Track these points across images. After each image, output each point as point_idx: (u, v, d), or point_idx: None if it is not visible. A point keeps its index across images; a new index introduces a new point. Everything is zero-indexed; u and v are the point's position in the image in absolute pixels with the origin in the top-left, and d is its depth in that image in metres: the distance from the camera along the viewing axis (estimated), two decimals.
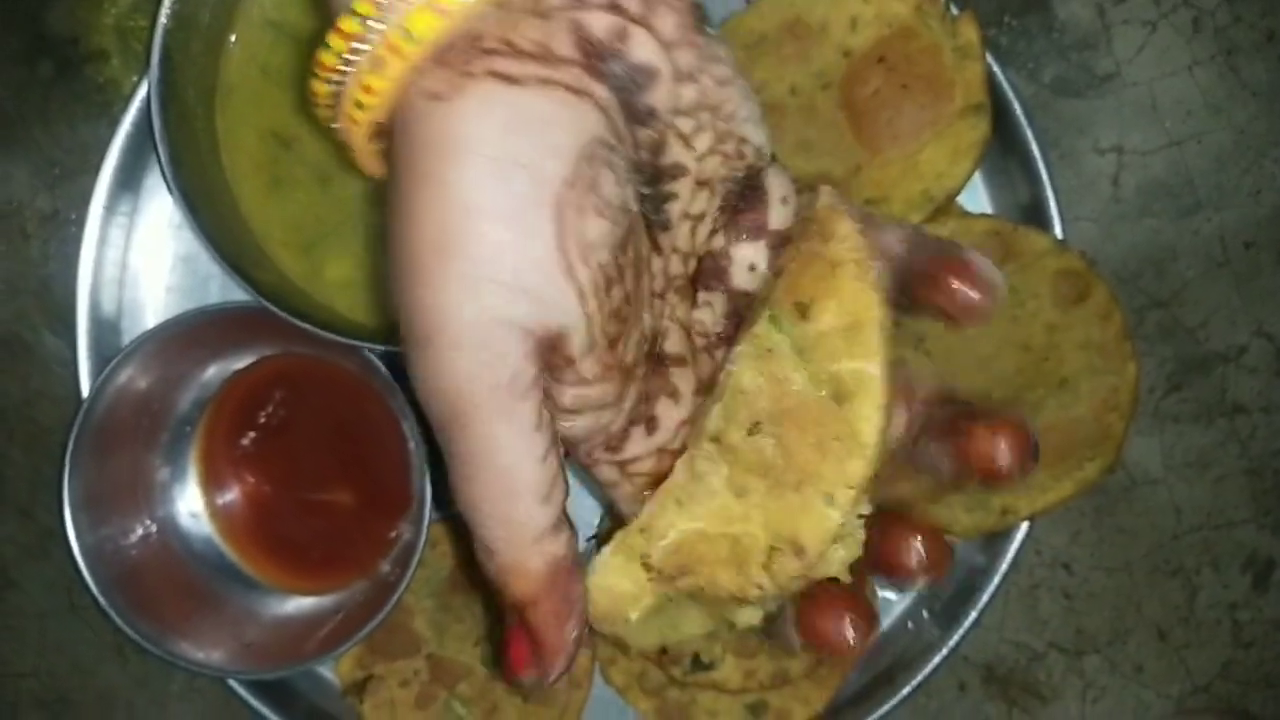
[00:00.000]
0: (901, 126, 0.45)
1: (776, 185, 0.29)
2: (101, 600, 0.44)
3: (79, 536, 0.44)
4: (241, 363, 0.47)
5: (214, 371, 0.47)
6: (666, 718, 0.47)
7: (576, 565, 0.27)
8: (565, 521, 0.27)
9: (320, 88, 0.26)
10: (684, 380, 0.30)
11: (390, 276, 0.26)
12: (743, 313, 0.29)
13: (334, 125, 0.27)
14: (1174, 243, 0.50)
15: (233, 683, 0.47)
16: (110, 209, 0.48)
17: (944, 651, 0.47)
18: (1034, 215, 0.47)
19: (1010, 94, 0.47)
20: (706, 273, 0.29)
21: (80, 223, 0.48)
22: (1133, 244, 0.50)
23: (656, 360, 0.29)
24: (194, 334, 0.45)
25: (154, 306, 0.49)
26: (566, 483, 0.27)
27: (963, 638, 0.47)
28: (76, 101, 0.50)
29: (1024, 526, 0.47)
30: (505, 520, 0.26)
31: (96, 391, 0.44)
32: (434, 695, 0.47)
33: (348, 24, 0.25)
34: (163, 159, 0.41)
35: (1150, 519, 0.50)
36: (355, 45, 0.25)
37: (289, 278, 0.45)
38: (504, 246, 0.24)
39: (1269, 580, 0.50)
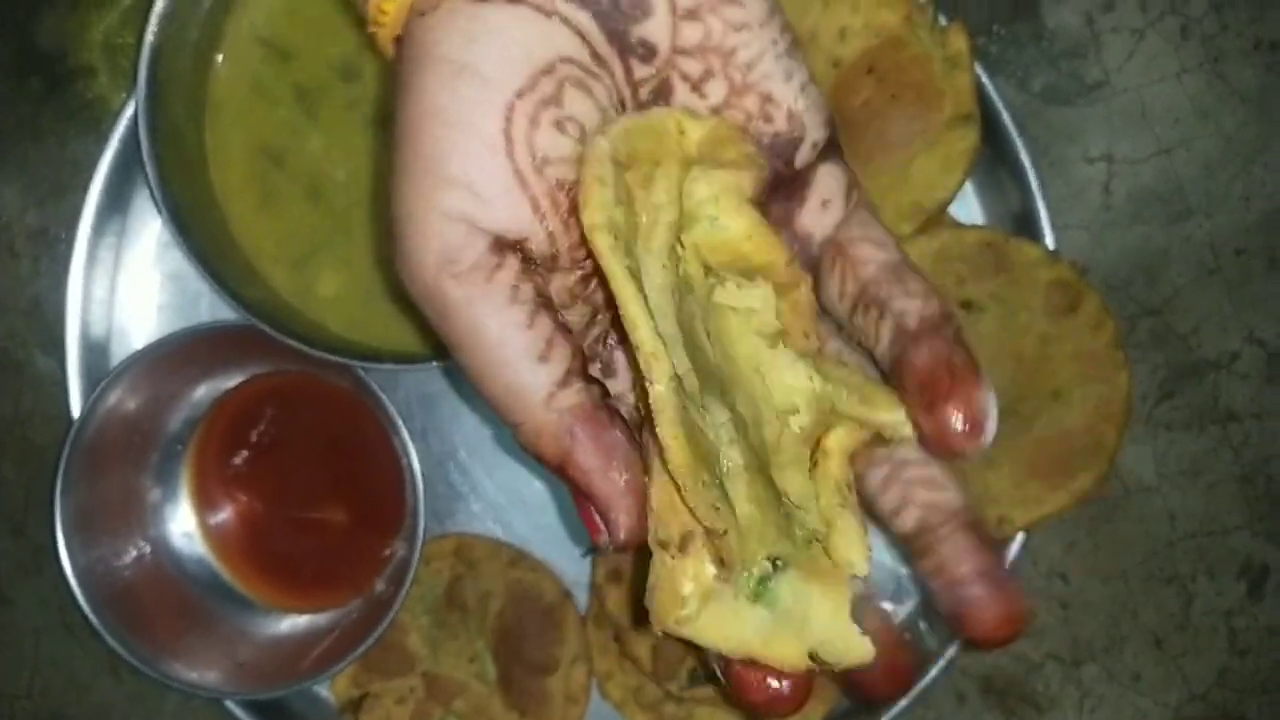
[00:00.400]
0: (891, 136, 0.45)
1: (825, 183, 0.28)
2: (94, 621, 0.44)
3: (71, 558, 0.44)
4: (232, 381, 0.47)
5: (204, 390, 0.47)
6: None
7: (604, 411, 0.27)
8: (578, 376, 0.26)
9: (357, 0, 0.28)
10: None
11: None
12: None
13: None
14: (1165, 250, 0.50)
15: (228, 703, 0.46)
16: (99, 227, 0.48)
17: (942, 663, 0.47)
18: (1025, 224, 0.47)
19: (1000, 103, 0.47)
20: None
21: (69, 240, 0.48)
22: (1124, 251, 0.50)
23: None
24: (184, 353, 0.45)
25: (144, 325, 0.49)
26: (574, 346, 0.27)
27: (960, 649, 0.47)
28: (65, 118, 0.50)
29: (1020, 537, 0.47)
30: (511, 387, 0.26)
31: (86, 413, 0.44)
32: (430, 712, 0.47)
33: None
34: (151, 178, 0.41)
35: (1145, 527, 0.50)
36: None
37: (279, 294, 0.44)
38: (452, 146, 0.25)
39: (1264, 587, 0.50)
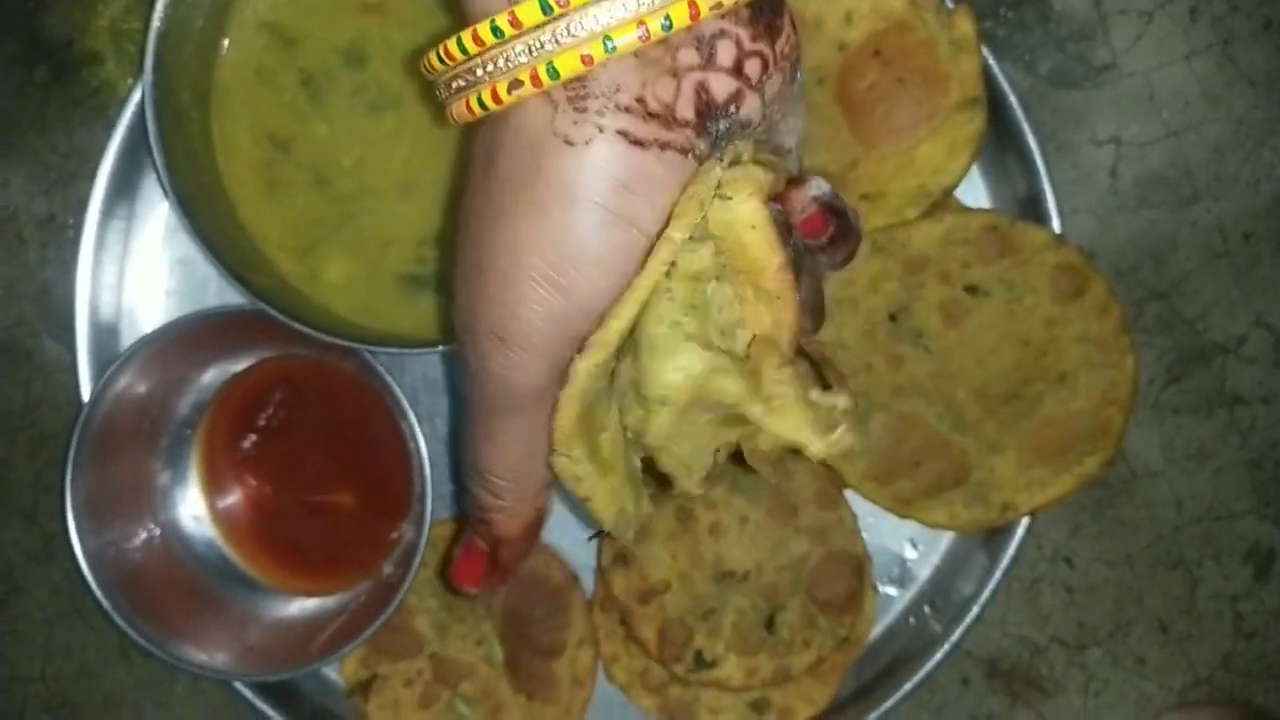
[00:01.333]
0: (897, 120, 0.45)
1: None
2: (105, 604, 0.44)
3: (82, 541, 0.44)
4: (240, 365, 0.47)
5: (213, 375, 0.47)
6: (669, 716, 0.48)
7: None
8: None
9: (436, 64, 0.29)
10: None
11: (467, 268, 0.29)
12: None
13: (436, 88, 0.30)
14: (1173, 234, 0.49)
15: (239, 686, 0.47)
16: (107, 213, 0.48)
17: (946, 647, 0.47)
18: (1032, 208, 0.47)
19: (1006, 86, 0.46)
20: None
21: (78, 227, 0.48)
22: (1131, 235, 0.49)
23: None
24: (192, 338, 0.45)
25: (152, 310, 0.49)
26: None
27: (965, 633, 0.47)
28: (72, 105, 0.50)
29: (1025, 521, 0.47)
30: (521, 479, 0.31)
31: (96, 397, 0.44)
32: (437, 695, 0.48)
33: (485, 34, 0.27)
34: (158, 163, 0.41)
35: (1151, 511, 0.50)
36: (492, 56, 0.27)
37: (286, 281, 0.45)
38: (600, 289, 0.27)
39: (1270, 571, 0.50)
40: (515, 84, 0.27)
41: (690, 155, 0.27)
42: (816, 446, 0.30)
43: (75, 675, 0.51)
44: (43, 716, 0.51)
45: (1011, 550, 0.47)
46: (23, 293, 0.50)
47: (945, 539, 0.49)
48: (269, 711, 0.47)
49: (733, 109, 0.27)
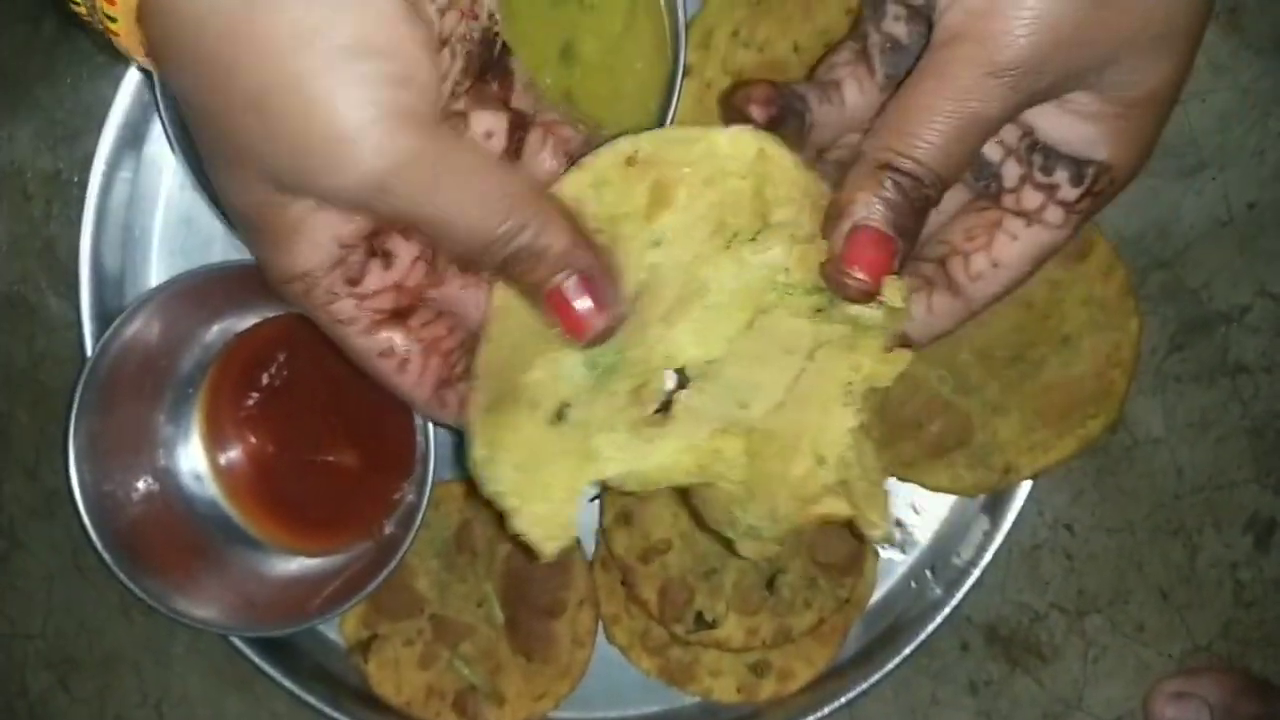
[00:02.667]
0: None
1: (521, 72, 0.34)
2: (106, 557, 0.44)
3: (82, 489, 0.44)
4: (244, 323, 0.47)
5: (217, 332, 0.47)
6: (670, 677, 0.48)
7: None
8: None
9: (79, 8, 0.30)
10: None
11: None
12: None
13: (90, 14, 0.31)
14: (1177, 202, 0.49)
15: (238, 643, 0.47)
16: (112, 170, 0.48)
17: (946, 611, 0.47)
18: None
19: None
20: None
21: (82, 184, 0.48)
22: (1136, 204, 0.49)
23: None
24: (200, 291, 0.45)
25: (156, 268, 0.49)
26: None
27: (965, 598, 0.47)
28: (79, 62, 0.50)
29: (1026, 486, 0.47)
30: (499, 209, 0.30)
31: (105, 343, 0.43)
32: (437, 654, 0.48)
33: None
34: (164, 118, 0.41)
35: (1152, 479, 0.50)
36: None
37: None
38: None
39: (1270, 540, 0.50)
40: None
41: None
42: (879, 533, 0.33)
43: (75, 632, 0.51)
44: (42, 673, 0.51)
45: (1012, 515, 0.47)
46: (27, 249, 0.50)
47: (946, 504, 0.49)
48: (270, 670, 0.47)
49: None
